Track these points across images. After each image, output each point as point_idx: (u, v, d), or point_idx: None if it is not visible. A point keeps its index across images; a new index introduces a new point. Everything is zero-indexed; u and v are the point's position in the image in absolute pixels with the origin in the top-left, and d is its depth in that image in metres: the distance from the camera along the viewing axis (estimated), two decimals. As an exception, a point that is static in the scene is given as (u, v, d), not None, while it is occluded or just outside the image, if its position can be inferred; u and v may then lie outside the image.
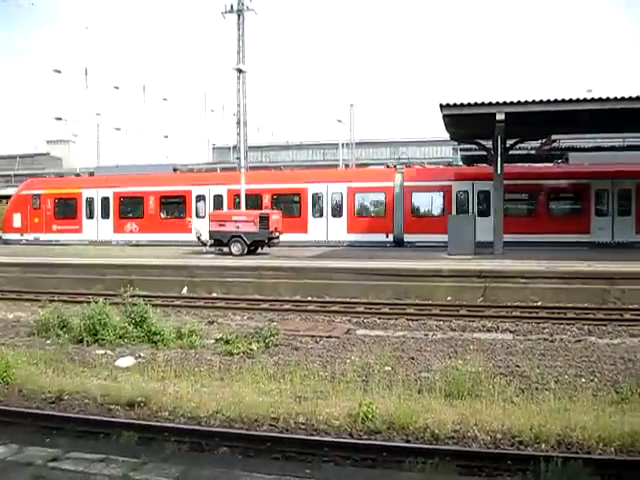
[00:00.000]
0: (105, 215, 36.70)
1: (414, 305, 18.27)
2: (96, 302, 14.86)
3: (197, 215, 34.36)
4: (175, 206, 35.99)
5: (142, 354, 12.82)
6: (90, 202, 37.12)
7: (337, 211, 32.59)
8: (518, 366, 11.37)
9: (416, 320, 16.51)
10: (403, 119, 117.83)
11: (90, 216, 37.12)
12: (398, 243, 31.36)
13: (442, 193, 31.47)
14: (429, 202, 32.31)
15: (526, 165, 34.43)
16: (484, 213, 29.40)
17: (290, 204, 33.33)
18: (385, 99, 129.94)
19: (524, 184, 30.00)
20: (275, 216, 28.34)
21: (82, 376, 10.85)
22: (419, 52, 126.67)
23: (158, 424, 8.22)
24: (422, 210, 32.39)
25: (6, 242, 38.28)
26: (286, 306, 18.71)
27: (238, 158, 36.75)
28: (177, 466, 5.96)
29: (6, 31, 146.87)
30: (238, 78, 38.08)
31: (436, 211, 32.02)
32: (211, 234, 27.57)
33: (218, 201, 34.51)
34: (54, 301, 17.40)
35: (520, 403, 8.93)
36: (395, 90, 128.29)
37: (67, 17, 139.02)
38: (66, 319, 14.91)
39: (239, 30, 37.89)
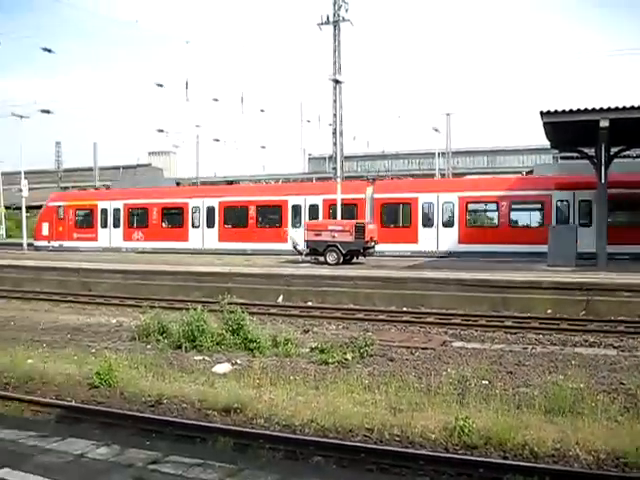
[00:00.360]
0: (117, 224, 39.98)
1: (512, 317, 17.79)
2: (195, 309, 15.15)
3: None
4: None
5: (239, 361, 12.97)
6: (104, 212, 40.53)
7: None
8: (622, 383, 10.87)
9: (514, 333, 16.07)
10: (500, 127, 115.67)
11: (104, 225, 40.60)
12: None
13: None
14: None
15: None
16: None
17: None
18: (482, 107, 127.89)
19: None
20: (371, 226, 28.27)
21: (180, 381, 11.05)
22: (516, 59, 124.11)
23: (253, 431, 8.27)
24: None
25: (37, 248, 41.52)
26: (381, 316, 18.60)
27: (334, 168, 37.00)
28: (272, 474, 5.97)
29: (112, 47, 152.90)
30: (334, 88, 38.37)
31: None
32: (307, 243, 27.75)
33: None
34: (154, 307, 17.81)
35: (625, 422, 8.49)
36: (493, 98, 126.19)
37: (169, 32, 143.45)
38: (166, 325, 15.27)
39: (335, 41, 38.20)
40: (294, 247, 29.15)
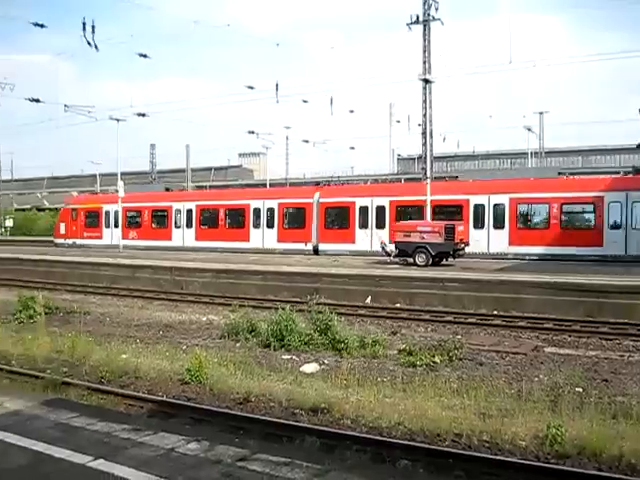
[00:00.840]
0: (116, 225, 43.16)
1: (609, 324, 17.14)
2: (283, 308, 15.29)
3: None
4: (337, 218, 36.66)
5: (326, 361, 13.01)
6: (110, 214, 44.24)
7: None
8: None
9: (611, 340, 15.49)
10: (595, 127, 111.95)
11: (107, 225, 44.83)
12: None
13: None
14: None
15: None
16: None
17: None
18: (577, 106, 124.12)
19: None
20: (460, 227, 27.88)
21: (268, 379, 11.15)
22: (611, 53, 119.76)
23: (341, 432, 8.25)
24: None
25: (56, 245, 46.58)
26: (470, 319, 18.28)
27: (423, 168, 36.61)
28: (360, 477, 5.94)
29: (205, 51, 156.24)
30: (424, 88, 37.98)
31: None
32: (396, 245, 27.59)
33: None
34: (244, 306, 18.10)
35: None
36: (587, 96, 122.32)
37: (259, 35, 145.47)
38: (255, 324, 15.48)
39: (425, 40, 37.77)
40: (382, 248, 29.03)
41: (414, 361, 12.55)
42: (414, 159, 57.86)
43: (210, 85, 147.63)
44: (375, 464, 7.18)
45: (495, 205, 31.67)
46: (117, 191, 40.43)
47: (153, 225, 43.04)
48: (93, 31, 24.60)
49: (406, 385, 10.80)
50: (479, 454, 7.56)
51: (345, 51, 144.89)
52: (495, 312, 19.10)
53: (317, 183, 42.67)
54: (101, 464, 5.79)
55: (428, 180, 33.22)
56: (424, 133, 38.05)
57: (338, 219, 36.00)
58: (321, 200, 35.95)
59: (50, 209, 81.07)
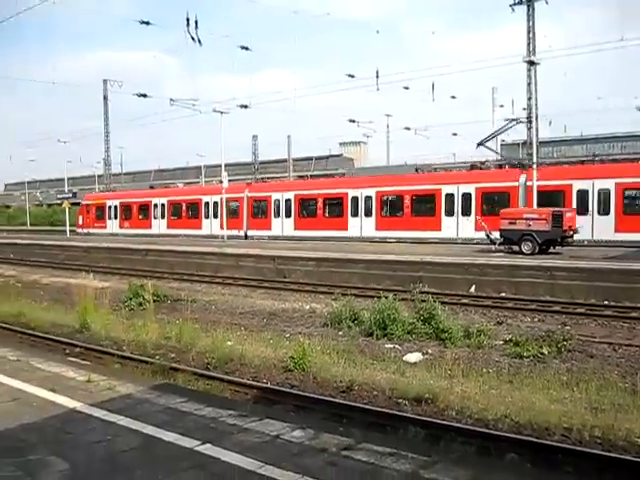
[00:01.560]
0: (114, 216, 55.94)
1: None
2: (386, 297, 15.21)
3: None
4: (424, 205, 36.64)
5: (429, 351, 12.85)
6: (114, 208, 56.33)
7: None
8: None
9: None
10: None
11: (110, 217, 56.19)
12: None
13: None
14: None
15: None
16: None
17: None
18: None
19: None
20: (569, 214, 26.96)
21: (371, 368, 11.11)
22: None
23: (445, 422, 8.11)
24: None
25: (77, 234, 56.87)
26: (580, 310, 17.63)
27: (529, 154, 35.62)
28: (466, 469, 5.80)
29: (305, 41, 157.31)
30: (528, 70, 36.90)
31: None
32: (501, 232, 26.97)
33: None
34: (346, 295, 18.10)
35: None
36: None
37: (359, 23, 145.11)
38: (357, 312, 15.48)
39: (529, 21, 36.71)
40: (487, 236, 28.43)
41: (521, 352, 12.23)
42: (518, 144, 56.27)
43: (310, 75, 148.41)
44: (481, 457, 7.02)
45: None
46: (220, 182, 41.52)
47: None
48: (196, 26, 25.16)
49: (513, 377, 10.55)
50: (590, 450, 7.26)
51: (446, 36, 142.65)
52: (606, 302, 18.33)
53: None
54: (208, 449, 5.90)
55: (534, 166, 32.30)
56: (529, 117, 37.07)
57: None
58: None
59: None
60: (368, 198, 37.67)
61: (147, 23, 28.43)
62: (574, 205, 30.68)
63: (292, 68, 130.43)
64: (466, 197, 34.31)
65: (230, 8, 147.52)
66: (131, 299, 19.11)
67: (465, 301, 19.37)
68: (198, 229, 46.38)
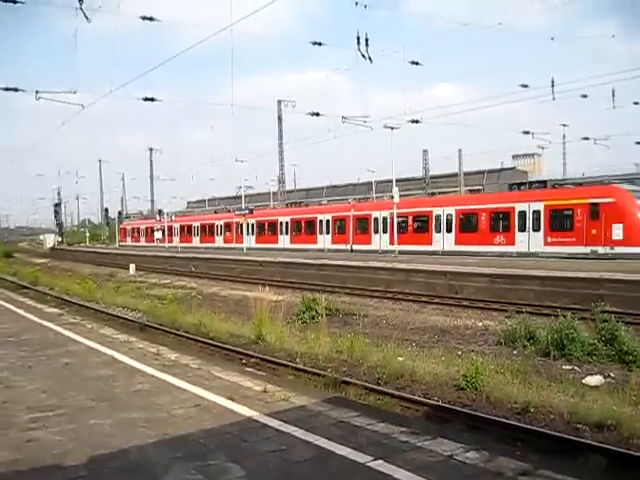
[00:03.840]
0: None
1: None
2: (564, 316, 14.59)
3: None
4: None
5: (612, 374, 12.17)
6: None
7: None
8: None
9: None
10: None
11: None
12: None
13: None
14: None
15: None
16: None
17: None
18: None
19: None
20: None
21: (548, 390, 10.65)
22: None
23: (631, 453, 7.59)
24: None
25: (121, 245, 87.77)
26: None
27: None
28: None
29: (479, 51, 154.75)
30: None
31: None
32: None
33: None
34: (521, 312, 17.52)
35: None
36: None
37: (532, 31, 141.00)
38: (532, 331, 14.94)
39: None
40: None
41: None
42: None
43: (481, 87, 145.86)
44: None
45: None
46: (391, 198, 41.89)
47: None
48: (367, 44, 25.28)
49: None
50: None
51: (625, 39, 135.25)
52: None
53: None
54: (380, 465, 5.86)
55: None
56: None
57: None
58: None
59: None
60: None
61: (319, 44, 28.95)
62: None
63: (463, 81, 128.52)
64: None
65: (400, 24, 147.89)
66: (304, 312, 19.59)
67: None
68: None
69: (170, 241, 71.85)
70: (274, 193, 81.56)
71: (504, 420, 9.06)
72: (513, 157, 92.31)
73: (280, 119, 71.53)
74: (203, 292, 29.68)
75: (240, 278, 35.70)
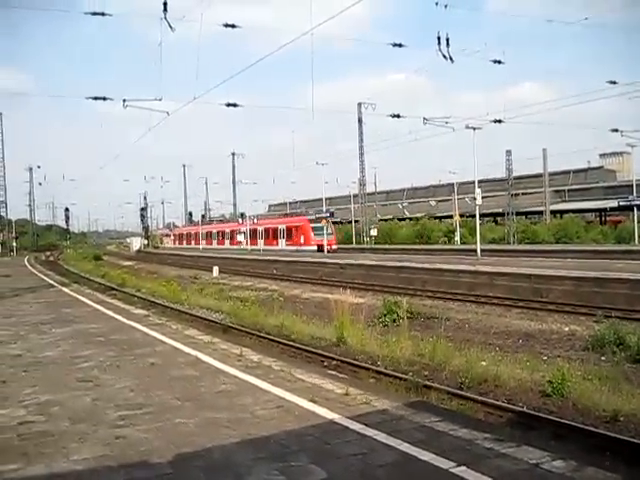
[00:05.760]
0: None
1: None
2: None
3: None
4: None
5: None
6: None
7: None
8: None
9: None
10: None
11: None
12: None
13: None
14: None
15: None
16: None
17: None
18: None
19: None
20: None
21: (639, 398, 10.27)
22: None
23: None
24: None
25: (156, 248, 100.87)
26: None
27: None
28: None
29: (563, 48, 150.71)
30: None
31: None
32: None
33: None
34: (610, 317, 16.99)
35: None
36: None
37: (620, 25, 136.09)
38: (622, 336, 14.48)
39: None
40: None
41: None
42: None
43: (567, 84, 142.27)
44: None
45: None
46: (473, 200, 41.26)
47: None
48: (447, 44, 24.97)
49: None
50: None
51: None
52: None
53: None
54: (463, 472, 5.77)
55: None
56: None
57: None
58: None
59: (410, 219, 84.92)
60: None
61: (399, 45, 28.80)
62: None
63: (547, 79, 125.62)
64: None
65: (481, 23, 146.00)
66: (385, 315, 19.51)
67: None
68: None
69: (254, 244, 72.87)
70: (355, 195, 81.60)
71: (592, 429, 8.79)
72: (600, 156, 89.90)
73: (360, 121, 71.55)
74: (285, 294, 29.96)
75: (321, 281, 35.86)
